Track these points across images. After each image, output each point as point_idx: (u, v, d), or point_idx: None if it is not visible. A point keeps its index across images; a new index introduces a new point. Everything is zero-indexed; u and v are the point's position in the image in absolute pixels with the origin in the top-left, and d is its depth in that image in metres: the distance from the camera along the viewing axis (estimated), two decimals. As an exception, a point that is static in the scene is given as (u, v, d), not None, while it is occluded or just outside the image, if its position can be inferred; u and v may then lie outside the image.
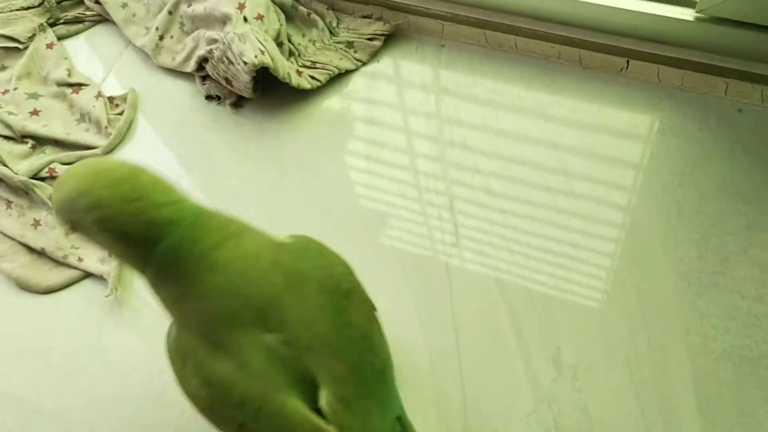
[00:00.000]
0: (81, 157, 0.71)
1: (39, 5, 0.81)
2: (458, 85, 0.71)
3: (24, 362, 0.61)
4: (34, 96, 0.75)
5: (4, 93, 0.76)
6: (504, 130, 0.67)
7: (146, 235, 0.40)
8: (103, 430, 0.57)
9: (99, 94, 0.75)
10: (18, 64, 0.77)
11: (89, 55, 0.80)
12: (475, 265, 0.60)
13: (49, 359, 0.61)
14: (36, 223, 0.67)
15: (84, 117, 0.74)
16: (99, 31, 0.82)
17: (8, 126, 0.73)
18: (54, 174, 0.70)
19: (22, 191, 0.69)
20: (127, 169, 0.41)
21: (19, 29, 0.79)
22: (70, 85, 0.76)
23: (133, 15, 0.80)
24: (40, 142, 0.73)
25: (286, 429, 0.40)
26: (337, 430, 0.40)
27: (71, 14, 0.82)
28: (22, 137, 0.73)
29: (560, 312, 0.57)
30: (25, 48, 0.79)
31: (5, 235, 0.67)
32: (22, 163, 0.71)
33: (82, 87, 0.76)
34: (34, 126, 0.73)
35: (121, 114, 0.74)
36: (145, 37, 0.78)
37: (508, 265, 0.60)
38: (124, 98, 0.75)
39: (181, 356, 0.43)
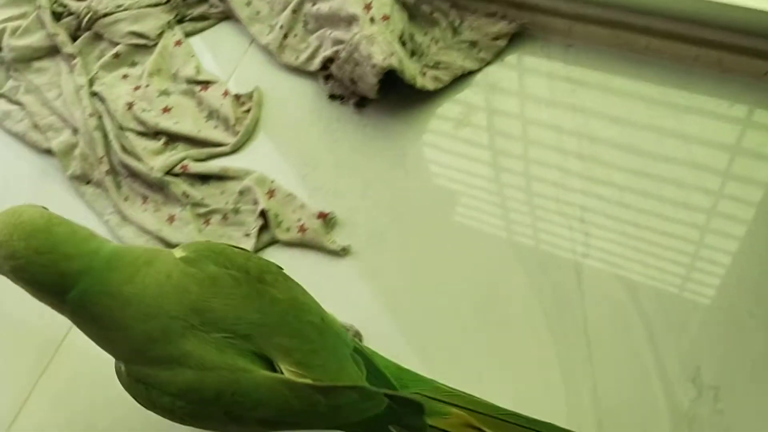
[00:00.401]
0: (211, 154, 0.74)
1: (166, 2, 0.83)
2: (587, 86, 0.69)
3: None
4: (165, 93, 0.78)
5: (136, 89, 0.79)
6: (637, 142, 0.65)
7: (58, 284, 0.43)
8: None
9: (226, 92, 0.77)
10: (149, 61, 0.80)
11: (214, 52, 0.82)
12: (608, 276, 0.59)
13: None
14: (171, 219, 0.70)
15: (212, 114, 0.77)
16: (223, 28, 0.84)
17: (142, 123, 0.76)
18: (186, 170, 0.72)
19: (158, 187, 0.72)
20: (43, 222, 0.43)
21: (148, 26, 0.82)
22: (199, 82, 0.78)
23: (257, 13, 0.81)
24: (172, 138, 0.76)
25: (265, 395, 0.44)
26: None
27: (197, 11, 0.84)
28: (155, 134, 0.76)
29: (700, 330, 0.56)
30: (154, 45, 0.82)
31: (143, 229, 0.70)
32: (156, 159, 0.74)
33: (210, 84, 0.78)
34: (167, 123, 0.75)
35: (247, 112, 0.76)
36: (269, 36, 0.79)
37: (644, 278, 0.59)
38: (249, 96, 0.77)
39: (141, 385, 0.46)
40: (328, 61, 0.73)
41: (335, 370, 0.47)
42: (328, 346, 0.48)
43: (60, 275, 0.43)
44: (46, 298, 0.45)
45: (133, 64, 0.82)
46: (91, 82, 0.80)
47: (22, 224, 0.43)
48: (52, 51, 0.84)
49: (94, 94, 0.79)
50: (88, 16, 0.83)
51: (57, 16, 0.85)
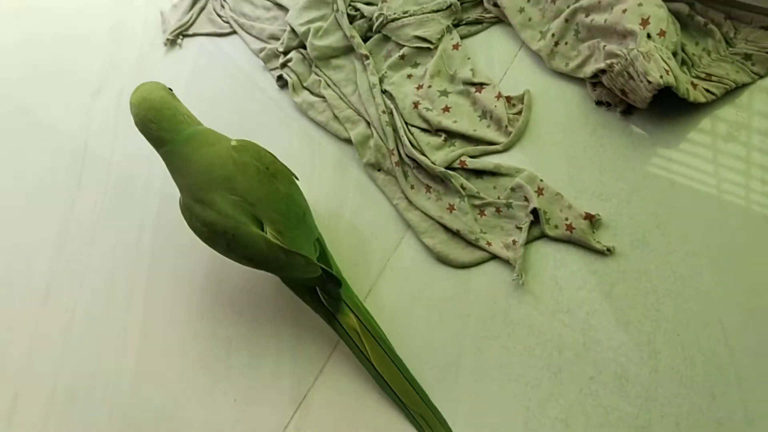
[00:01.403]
0: (485, 151, 0.84)
1: (446, 8, 0.93)
2: None
3: (445, 323, 0.78)
4: (445, 93, 0.90)
5: (418, 88, 0.91)
6: None
7: (156, 142, 0.72)
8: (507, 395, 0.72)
9: (499, 95, 0.86)
10: (430, 63, 0.92)
11: (487, 54, 0.91)
12: None
13: (467, 323, 0.77)
14: (450, 208, 0.82)
15: (485, 114, 0.87)
16: (495, 32, 0.93)
17: (426, 120, 0.88)
18: (464, 166, 0.83)
19: (439, 179, 0.84)
20: (159, 102, 0.71)
21: (431, 31, 0.93)
22: (474, 84, 0.88)
23: (529, 20, 0.89)
24: (451, 135, 0.87)
25: (253, 243, 0.70)
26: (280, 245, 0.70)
27: (472, 16, 0.94)
28: (436, 131, 0.88)
29: None
30: (435, 48, 0.93)
31: (427, 215, 0.83)
32: (437, 154, 0.86)
33: (484, 86, 0.88)
34: (447, 122, 0.87)
35: (517, 114, 0.85)
36: (540, 42, 0.87)
37: None
38: (520, 99, 0.86)
39: (186, 211, 0.74)
40: (599, 72, 0.79)
41: (298, 243, 0.73)
42: (300, 228, 0.74)
43: (157, 138, 0.72)
44: (154, 147, 0.73)
45: (416, 65, 0.94)
46: (380, 80, 0.93)
47: (147, 99, 0.71)
48: (348, 50, 0.99)
49: (384, 92, 0.92)
50: (379, 20, 0.96)
51: (350, 18, 0.99)
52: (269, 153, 0.76)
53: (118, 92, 1.16)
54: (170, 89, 0.75)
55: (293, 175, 0.78)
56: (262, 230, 0.70)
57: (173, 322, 0.89)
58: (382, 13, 0.95)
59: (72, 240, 1.02)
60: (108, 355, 0.90)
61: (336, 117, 0.95)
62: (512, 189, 0.80)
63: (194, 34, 1.16)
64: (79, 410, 0.87)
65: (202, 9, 1.18)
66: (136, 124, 0.72)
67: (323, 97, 0.97)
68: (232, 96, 1.06)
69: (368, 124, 0.92)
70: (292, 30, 1.02)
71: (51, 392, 0.90)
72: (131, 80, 1.15)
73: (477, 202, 0.81)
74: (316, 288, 0.77)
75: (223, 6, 1.16)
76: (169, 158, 0.73)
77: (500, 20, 0.93)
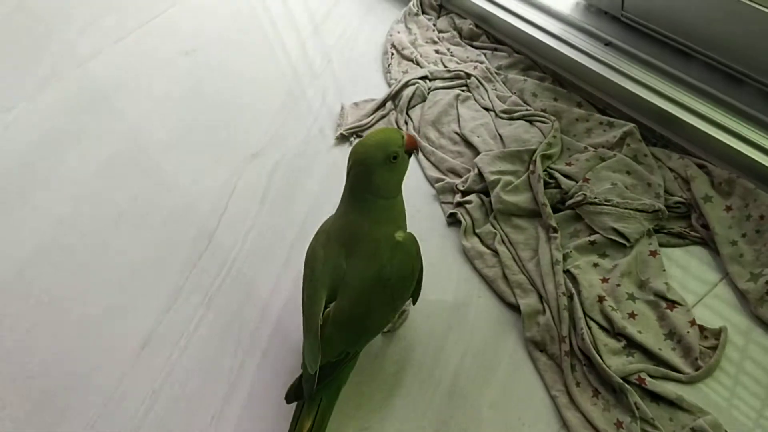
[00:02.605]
0: (666, 375, 0.78)
1: (652, 212, 0.90)
2: None
3: None
4: (632, 298, 0.85)
5: (604, 281, 0.86)
6: None
7: (359, 190, 0.73)
8: None
9: (693, 321, 0.81)
10: (623, 261, 0.87)
11: (684, 272, 0.87)
12: None
13: None
14: (619, 424, 0.75)
15: (672, 336, 0.81)
16: (697, 252, 0.89)
17: (609, 320, 0.83)
18: (643, 384, 0.77)
19: (611, 388, 0.78)
20: (384, 157, 0.71)
21: (630, 228, 0.89)
22: (666, 299, 0.83)
23: (741, 255, 0.85)
24: (631, 344, 0.81)
25: (311, 296, 0.73)
26: (318, 326, 0.71)
27: (676, 228, 0.91)
28: (617, 334, 0.82)
29: None
30: (630, 247, 0.89)
31: (590, 423, 0.76)
32: (613, 359, 0.80)
33: (676, 306, 0.83)
34: (632, 330, 0.81)
35: (709, 348, 0.79)
36: (748, 283, 0.82)
37: None
38: (715, 334, 0.80)
39: (312, 240, 0.78)
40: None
41: (334, 342, 0.72)
42: (346, 338, 0.73)
43: (365, 189, 0.72)
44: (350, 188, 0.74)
45: (604, 256, 0.90)
46: (564, 257, 0.89)
47: (381, 145, 0.71)
48: (533, 214, 0.95)
49: (566, 271, 0.88)
50: (578, 199, 0.93)
51: (544, 184, 0.96)
52: (412, 271, 0.75)
53: (275, 162, 1.13)
54: (395, 155, 0.72)
55: (402, 308, 0.83)
56: (327, 302, 0.72)
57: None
58: (584, 194, 0.93)
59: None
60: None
61: (505, 277, 0.90)
62: (692, 429, 0.73)
63: (367, 138, 1.15)
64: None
65: (383, 117, 1.17)
66: (357, 160, 0.72)
67: (495, 251, 0.93)
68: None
69: (541, 298, 0.87)
70: (480, 174, 1.00)
71: None
72: (291, 156, 1.13)
73: (650, 429, 0.74)
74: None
75: (407, 123, 1.15)
76: (344, 201, 0.75)
77: (705, 241, 0.89)
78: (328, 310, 0.71)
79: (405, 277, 0.74)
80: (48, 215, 1.11)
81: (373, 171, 0.71)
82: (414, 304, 0.82)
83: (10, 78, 1.41)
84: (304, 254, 0.78)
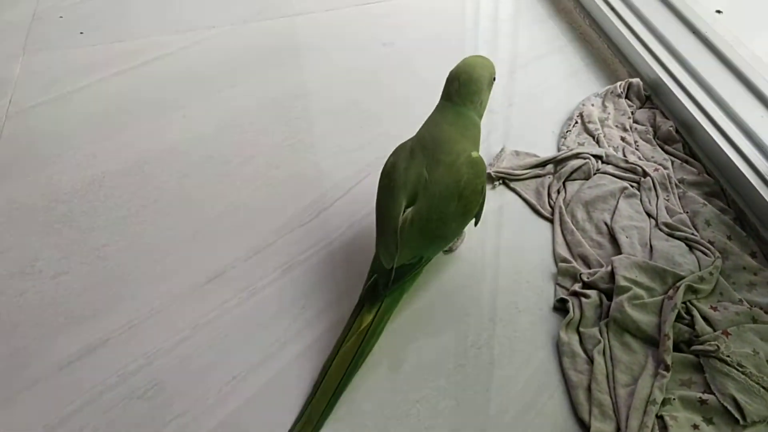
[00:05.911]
0: None
1: (787, 402, 0.75)
2: None
3: None
4: (723, 483, 0.70)
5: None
6: None
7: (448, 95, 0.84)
8: None
9: None
10: (729, 438, 0.73)
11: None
12: None
13: None
14: None
15: None
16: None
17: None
18: None
19: None
20: (483, 75, 0.82)
21: (753, 407, 0.75)
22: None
23: None
24: None
25: (386, 198, 0.81)
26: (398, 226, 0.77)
27: (809, 434, 0.75)
28: None
29: None
30: (743, 427, 0.75)
31: None
32: None
33: None
34: None
35: None
36: None
37: None
38: None
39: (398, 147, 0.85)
40: None
41: (412, 243, 0.78)
42: (420, 241, 0.78)
43: (468, 101, 0.82)
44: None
45: (710, 422, 0.76)
46: (663, 401, 0.76)
47: (488, 66, 0.83)
48: (650, 341, 0.83)
49: (659, 417, 0.75)
50: (707, 348, 0.79)
51: (677, 317, 0.84)
52: (482, 189, 0.81)
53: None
54: (494, 79, 0.84)
55: (476, 217, 0.85)
56: (405, 207, 0.77)
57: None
58: (718, 346, 0.79)
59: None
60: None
61: (589, 390, 0.79)
62: None
63: (513, 189, 1.07)
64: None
65: (536, 177, 1.09)
66: (468, 73, 0.81)
67: (591, 359, 0.82)
68: (506, 269, 0.93)
69: (618, 430, 0.75)
70: (612, 273, 0.89)
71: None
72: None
73: None
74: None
75: (559, 192, 1.06)
76: (439, 111, 0.83)
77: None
78: (406, 213, 0.77)
79: (476, 192, 0.81)
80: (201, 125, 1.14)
81: (482, 88, 0.81)
82: (476, 225, 0.88)
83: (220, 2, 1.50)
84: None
